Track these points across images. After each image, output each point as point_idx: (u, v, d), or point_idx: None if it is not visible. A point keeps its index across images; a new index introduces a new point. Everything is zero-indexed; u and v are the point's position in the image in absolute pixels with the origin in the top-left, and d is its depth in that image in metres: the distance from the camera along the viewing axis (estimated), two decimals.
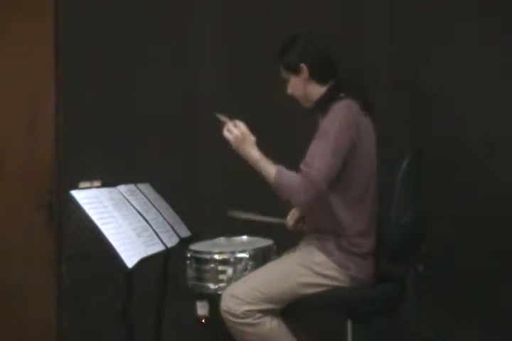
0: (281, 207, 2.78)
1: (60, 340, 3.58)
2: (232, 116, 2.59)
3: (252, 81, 3.32)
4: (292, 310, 2.48)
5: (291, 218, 2.83)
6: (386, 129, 2.71)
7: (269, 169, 2.47)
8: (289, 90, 2.66)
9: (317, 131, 2.50)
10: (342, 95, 2.53)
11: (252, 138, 2.53)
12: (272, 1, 3.35)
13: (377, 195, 2.57)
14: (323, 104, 2.54)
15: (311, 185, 2.37)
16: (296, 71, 2.59)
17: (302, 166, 2.41)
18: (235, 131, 2.52)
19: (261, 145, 2.99)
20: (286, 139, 3.21)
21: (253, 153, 2.51)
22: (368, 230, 2.52)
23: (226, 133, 2.53)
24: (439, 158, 3.01)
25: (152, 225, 2.64)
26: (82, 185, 2.56)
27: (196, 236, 2.90)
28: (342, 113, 2.47)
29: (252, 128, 3.29)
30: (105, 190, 2.58)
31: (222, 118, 2.58)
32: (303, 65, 2.57)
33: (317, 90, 2.60)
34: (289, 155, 2.86)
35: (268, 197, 2.93)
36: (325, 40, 2.68)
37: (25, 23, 3.60)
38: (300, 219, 2.81)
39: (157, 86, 3.46)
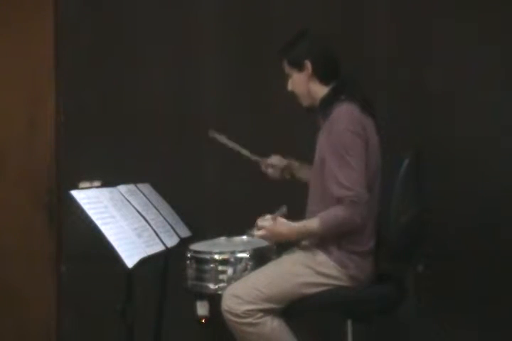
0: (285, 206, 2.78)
1: (60, 340, 3.58)
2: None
3: (252, 81, 3.32)
4: (293, 309, 2.48)
5: (268, 160, 2.84)
6: (386, 129, 2.71)
7: (313, 228, 2.44)
8: (290, 86, 2.65)
9: (320, 133, 2.50)
10: (343, 97, 2.52)
11: (282, 221, 2.48)
12: (271, 1, 3.35)
13: (378, 194, 2.57)
14: (325, 106, 2.53)
15: (357, 206, 2.38)
16: (299, 67, 2.58)
17: (336, 191, 2.40)
18: (263, 232, 2.48)
19: (261, 145, 3.00)
20: (286, 139, 3.22)
21: (291, 232, 2.48)
22: (369, 229, 2.52)
23: (258, 233, 2.50)
24: (439, 158, 3.01)
25: (152, 225, 2.64)
26: (82, 185, 2.57)
27: (196, 236, 2.90)
28: (345, 121, 2.45)
29: (252, 128, 3.31)
30: (105, 190, 2.58)
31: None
32: (307, 62, 2.57)
33: (319, 89, 2.59)
34: (289, 154, 2.87)
35: (268, 197, 2.94)
36: (330, 40, 2.68)
37: (25, 22, 3.60)
38: (275, 167, 2.82)
39: (157, 86, 3.46)
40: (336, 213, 2.41)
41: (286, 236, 2.49)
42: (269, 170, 2.86)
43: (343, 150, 2.42)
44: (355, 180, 2.39)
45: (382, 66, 3.18)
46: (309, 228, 2.46)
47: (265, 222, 2.48)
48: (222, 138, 2.89)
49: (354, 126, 2.45)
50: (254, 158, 2.88)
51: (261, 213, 2.77)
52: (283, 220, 2.48)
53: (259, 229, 2.49)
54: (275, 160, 2.85)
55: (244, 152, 2.88)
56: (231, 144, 2.88)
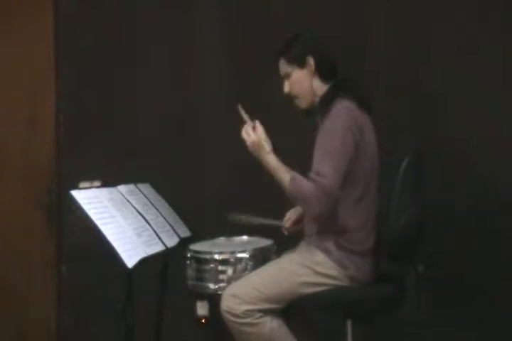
0: (281, 207, 2.78)
1: (60, 340, 3.58)
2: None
3: (252, 81, 3.32)
4: (292, 309, 2.48)
5: (288, 220, 2.82)
6: (386, 129, 2.71)
7: (284, 176, 2.46)
8: (287, 88, 2.64)
9: (319, 135, 2.50)
10: (341, 95, 2.52)
11: (269, 144, 2.51)
12: (271, 1, 3.35)
13: (378, 194, 2.57)
14: (325, 104, 2.53)
15: (325, 194, 2.37)
16: (301, 63, 2.58)
17: (313, 175, 2.40)
18: (253, 135, 2.51)
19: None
20: (286, 138, 3.21)
21: (269, 159, 2.50)
22: (367, 228, 2.52)
23: (244, 135, 2.53)
24: (439, 158, 3.02)
25: (152, 225, 2.64)
26: (82, 185, 2.56)
27: (196, 236, 2.90)
28: (343, 117, 2.46)
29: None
30: (105, 190, 2.58)
31: (243, 114, 2.55)
32: (309, 58, 2.56)
33: (320, 87, 2.59)
34: (289, 154, 2.86)
35: (268, 198, 2.94)
36: (328, 40, 2.68)
37: (25, 23, 3.60)
38: (297, 222, 2.80)
39: (157, 86, 3.47)
40: (306, 186, 2.39)
41: (259, 157, 2.51)
42: (297, 228, 2.79)
43: (331, 140, 2.42)
44: (330, 171, 2.39)
45: (382, 66, 3.18)
46: (281, 175, 2.47)
47: (252, 135, 2.50)
48: (240, 218, 2.83)
49: (349, 123, 2.45)
50: (276, 224, 2.83)
51: (259, 214, 2.78)
52: (268, 148, 2.50)
53: (253, 129, 2.51)
54: (292, 215, 2.82)
55: (264, 221, 2.82)
56: (250, 220, 2.82)
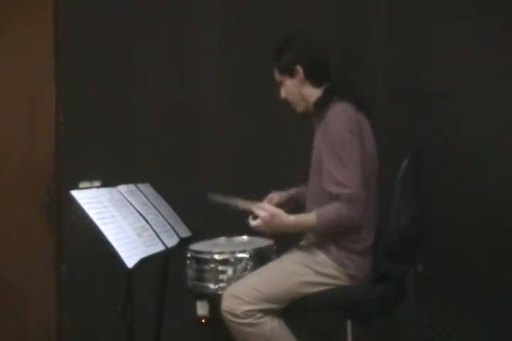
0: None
1: (60, 340, 3.58)
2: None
3: (252, 81, 3.32)
4: (292, 310, 2.48)
5: (268, 201, 2.78)
6: (386, 129, 2.71)
7: (309, 221, 2.44)
8: (283, 94, 2.66)
9: (316, 136, 2.50)
10: (336, 98, 2.53)
11: (279, 214, 2.45)
12: (271, 2, 3.35)
13: (378, 194, 2.57)
14: (320, 108, 2.54)
15: (352, 203, 2.38)
16: (291, 73, 2.60)
17: (333, 189, 2.40)
18: (259, 221, 2.45)
19: (260, 144, 3.00)
20: (286, 139, 3.22)
21: (288, 225, 2.46)
22: (368, 228, 2.52)
23: (254, 224, 2.46)
24: (439, 158, 3.01)
25: (152, 225, 2.64)
26: (82, 185, 2.56)
27: (196, 236, 2.90)
28: (341, 119, 2.46)
29: (252, 128, 3.31)
30: (105, 190, 2.58)
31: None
32: (298, 67, 2.58)
33: (312, 93, 2.60)
34: (289, 154, 2.87)
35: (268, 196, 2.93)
36: (317, 42, 2.67)
37: (25, 23, 3.60)
38: (278, 205, 2.76)
39: (157, 86, 3.47)
40: (333, 209, 2.41)
41: (281, 228, 2.47)
42: None
43: (340, 148, 2.42)
44: (352, 178, 2.39)
45: (382, 66, 3.18)
46: (305, 221, 2.46)
47: (261, 211, 2.46)
48: (221, 199, 2.75)
49: (350, 124, 2.45)
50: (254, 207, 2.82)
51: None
52: (280, 212, 2.46)
53: (255, 217, 2.48)
54: (275, 197, 2.80)
55: (245, 204, 2.72)
56: (231, 201, 2.73)
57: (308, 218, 2.45)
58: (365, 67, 3.16)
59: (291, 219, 2.46)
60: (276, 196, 2.81)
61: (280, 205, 2.72)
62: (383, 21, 3.18)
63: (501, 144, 3.03)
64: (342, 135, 2.43)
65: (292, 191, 2.84)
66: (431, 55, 3.12)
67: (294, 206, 2.79)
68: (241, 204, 2.64)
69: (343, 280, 2.49)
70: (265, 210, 2.46)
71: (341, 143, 2.42)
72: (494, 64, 3.04)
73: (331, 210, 2.41)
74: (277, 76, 2.65)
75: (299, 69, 2.58)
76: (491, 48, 3.04)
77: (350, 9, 3.24)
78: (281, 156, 2.87)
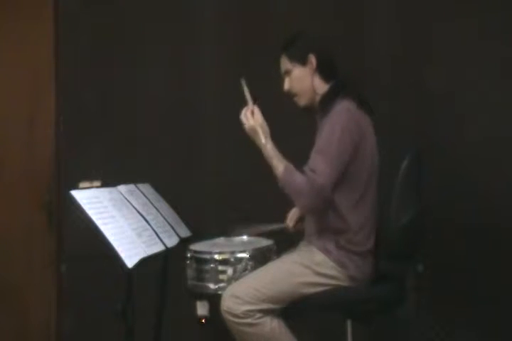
0: (282, 208, 2.78)
1: (60, 340, 3.58)
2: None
3: (252, 81, 3.31)
4: (292, 310, 2.48)
5: (290, 220, 2.83)
6: (387, 129, 2.71)
7: (279, 164, 2.48)
8: (287, 86, 2.64)
9: (318, 134, 2.51)
10: (341, 95, 2.53)
11: (267, 130, 2.53)
12: (272, 1, 3.35)
13: (378, 194, 2.57)
14: (326, 104, 2.53)
15: (315, 191, 2.38)
16: (303, 61, 2.58)
17: (307, 170, 2.41)
18: (251, 120, 2.53)
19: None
20: (286, 138, 3.20)
21: (264, 143, 2.51)
22: (367, 229, 2.52)
23: (242, 119, 2.55)
24: (439, 157, 3.02)
25: (152, 225, 2.64)
26: (82, 185, 2.56)
27: (196, 236, 2.90)
28: (343, 117, 2.46)
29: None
30: (105, 190, 2.58)
31: (246, 91, 2.56)
32: (311, 56, 2.57)
33: (321, 86, 2.59)
34: (289, 154, 2.86)
35: (269, 198, 2.94)
36: (329, 41, 2.69)
37: (25, 23, 3.60)
38: (300, 219, 2.80)
39: (157, 86, 3.46)
40: (300, 180, 2.41)
41: (257, 143, 2.53)
42: (300, 226, 2.80)
43: (328, 142, 2.43)
44: (324, 171, 2.40)
45: (384, 66, 3.18)
46: (276, 162, 2.49)
47: (251, 120, 2.53)
48: (247, 231, 2.81)
49: (349, 124, 2.45)
50: (280, 227, 2.83)
51: (261, 213, 2.78)
52: (267, 132, 2.53)
53: (252, 114, 2.53)
54: (293, 215, 2.83)
55: (268, 228, 2.79)
56: (257, 230, 2.78)
57: (278, 163, 2.49)
58: (367, 67, 3.16)
59: (268, 146, 2.51)
60: (294, 214, 2.83)
61: (300, 220, 2.79)
62: (384, 20, 3.19)
63: (501, 143, 3.03)
64: (337, 131, 2.44)
65: None
66: (432, 54, 3.12)
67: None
68: (264, 228, 2.74)
69: (343, 281, 2.48)
70: (255, 118, 2.53)
71: (332, 138, 2.43)
72: (495, 63, 3.05)
73: (297, 178, 2.42)
74: (286, 64, 2.62)
75: (312, 58, 2.57)
76: (492, 47, 3.04)
77: (352, 9, 3.24)
78: (282, 154, 2.87)
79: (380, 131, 2.61)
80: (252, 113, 2.54)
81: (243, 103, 3.29)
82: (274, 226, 2.83)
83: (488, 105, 3.05)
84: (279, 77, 2.68)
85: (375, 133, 2.59)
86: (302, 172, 2.43)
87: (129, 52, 3.51)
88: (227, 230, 2.82)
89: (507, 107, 3.04)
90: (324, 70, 2.59)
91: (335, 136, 2.43)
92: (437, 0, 3.12)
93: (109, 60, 3.52)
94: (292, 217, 2.83)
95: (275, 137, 3.20)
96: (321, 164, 2.40)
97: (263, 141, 2.51)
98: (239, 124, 3.26)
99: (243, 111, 2.55)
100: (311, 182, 2.38)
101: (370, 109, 2.58)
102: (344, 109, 2.48)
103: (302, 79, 2.60)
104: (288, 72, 2.63)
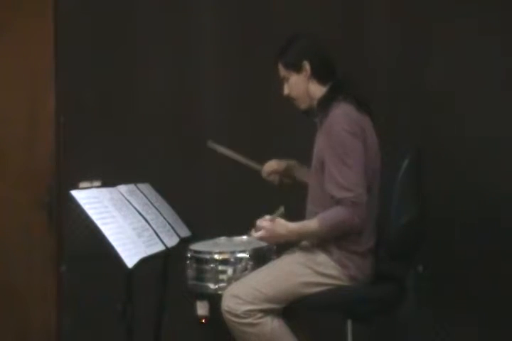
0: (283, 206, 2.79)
1: (60, 340, 3.58)
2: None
3: (252, 81, 3.32)
4: (293, 309, 2.48)
5: (267, 167, 2.84)
6: (386, 129, 2.71)
7: (312, 228, 2.44)
8: (286, 90, 2.65)
9: (318, 135, 2.51)
10: (340, 97, 2.52)
11: (281, 222, 2.46)
12: (272, 1, 3.35)
13: (379, 194, 2.57)
14: (324, 107, 2.53)
15: (357, 207, 2.38)
16: (298, 68, 2.58)
17: (336, 193, 2.39)
18: (262, 232, 2.47)
19: (260, 144, 3.00)
20: (286, 138, 3.22)
21: (291, 233, 2.47)
22: (368, 229, 2.52)
23: (256, 235, 2.48)
24: (439, 157, 3.02)
25: (152, 225, 2.64)
26: (82, 185, 2.56)
27: (196, 236, 2.90)
28: (343, 122, 2.45)
29: (252, 127, 3.31)
30: (105, 190, 2.59)
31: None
32: (305, 63, 2.57)
33: (318, 90, 2.59)
34: (289, 154, 2.87)
35: (268, 197, 2.94)
36: (324, 41, 2.68)
37: (25, 23, 3.60)
38: (276, 172, 2.82)
39: (157, 86, 3.46)
40: (335, 214, 2.41)
41: (284, 237, 2.48)
42: (271, 177, 2.85)
43: (342, 151, 2.42)
44: (354, 180, 2.39)
45: (383, 66, 3.18)
46: (308, 228, 2.46)
47: (264, 222, 2.47)
48: (221, 149, 2.89)
49: (352, 127, 2.44)
50: (254, 166, 2.88)
51: (260, 213, 2.78)
52: (282, 221, 2.47)
53: (258, 229, 2.48)
54: (274, 164, 2.85)
55: (245, 161, 2.88)
56: (230, 153, 2.87)
57: (310, 225, 2.45)
58: (366, 67, 3.16)
59: (295, 227, 2.46)
60: (275, 164, 2.84)
61: (277, 173, 2.81)
62: (383, 21, 3.18)
63: (502, 144, 3.03)
64: (344, 138, 2.43)
65: (292, 162, 2.85)
66: (431, 54, 3.12)
67: (289, 177, 2.84)
68: (241, 159, 2.76)
69: (343, 281, 2.48)
70: (268, 221, 2.47)
71: (343, 146, 2.42)
72: (494, 63, 3.05)
73: (334, 215, 2.41)
74: (282, 72, 2.63)
75: (306, 65, 2.57)
76: (491, 48, 3.04)
77: (351, 9, 3.23)
78: (282, 155, 2.87)
79: (380, 131, 2.61)
80: (256, 229, 2.49)
81: (243, 103, 3.31)
82: (251, 162, 2.87)
83: (488, 105, 3.05)
84: (279, 77, 2.68)
85: (375, 133, 2.59)
86: (331, 199, 2.41)
87: (129, 52, 3.50)
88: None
89: (506, 107, 3.04)
90: (320, 74, 2.59)
91: (345, 144, 2.42)
92: (437, 0, 3.12)
93: (109, 60, 3.51)
94: (270, 165, 2.84)
95: (277, 134, 3.22)
96: (346, 178, 2.39)
97: (287, 234, 2.46)
98: (239, 124, 3.28)
99: (256, 234, 2.49)
100: (348, 204, 2.37)
101: (370, 109, 2.58)
102: (341, 114, 2.47)
103: (298, 86, 2.61)
104: (286, 79, 2.64)
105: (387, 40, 3.18)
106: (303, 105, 2.65)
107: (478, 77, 3.05)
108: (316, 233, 2.45)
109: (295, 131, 3.16)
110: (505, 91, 3.04)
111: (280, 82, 2.66)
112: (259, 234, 2.47)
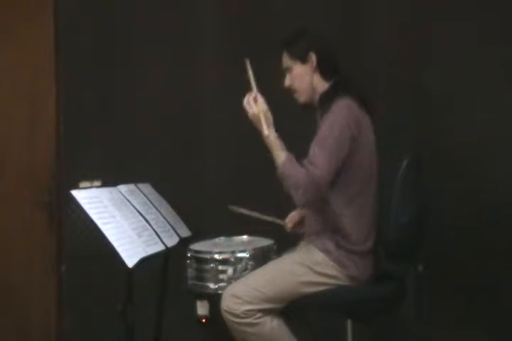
0: (284, 208, 2.78)
1: (60, 340, 3.58)
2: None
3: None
4: (292, 309, 2.49)
5: (290, 220, 2.83)
6: (386, 129, 2.71)
7: (280, 154, 2.48)
8: (288, 82, 2.64)
9: (318, 130, 2.51)
10: (341, 93, 2.53)
11: (270, 117, 2.52)
12: (272, 1, 3.35)
13: (378, 194, 2.57)
14: (325, 102, 2.54)
15: (314, 184, 2.38)
16: (304, 59, 2.58)
17: (306, 163, 2.42)
18: (254, 107, 2.52)
19: (260, 143, 2.99)
20: (286, 137, 3.21)
21: (266, 132, 2.50)
22: (367, 228, 2.52)
23: (246, 106, 2.54)
24: (438, 158, 3.02)
25: (152, 225, 2.64)
26: (82, 184, 2.56)
27: (196, 236, 2.90)
28: (342, 113, 2.47)
29: (252, 127, 3.30)
30: (105, 190, 2.58)
31: (250, 75, 2.57)
32: (312, 54, 2.57)
33: (321, 84, 2.59)
34: (291, 152, 2.87)
35: (268, 197, 2.94)
36: (329, 40, 2.69)
37: (25, 23, 3.60)
38: (299, 223, 2.80)
39: (157, 86, 3.47)
40: (299, 172, 2.41)
41: (259, 130, 2.52)
42: (296, 230, 2.82)
43: (329, 134, 2.43)
44: (325, 162, 2.40)
45: (382, 66, 3.18)
46: (277, 152, 2.49)
47: (253, 105, 2.52)
48: (242, 210, 2.88)
49: (349, 119, 2.45)
50: (278, 222, 2.86)
51: (261, 213, 2.78)
52: (270, 120, 2.52)
53: (255, 101, 2.53)
54: (295, 216, 2.84)
55: (267, 218, 2.85)
56: (252, 213, 2.86)
57: (280, 152, 2.49)
58: (365, 67, 3.16)
59: (270, 134, 2.50)
60: (296, 215, 2.83)
61: (300, 223, 2.79)
62: (383, 21, 3.19)
63: (501, 144, 3.03)
64: (336, 125, 2.44)
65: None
66: (431, 54, 3.13)
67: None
68: (263, 217, 2.78)
69: (342, 281, 2.48)
70: (258, 105, 2.52)
71: (332, 132, 2.44)
72: (494, 64, 3.05)
73: (296, 170, 2.42)
74: (287, 61, 2.63)
75: (313, 56, 2.57)
76: (491, 48, 3.05)
77: (351, 9, 3.24)
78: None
79: (380, 132, 2.61)
80: (255, 100, 2.53)
81: (241, 103, 3.30)
82: (273, 219, 2.85)
83: (487, 106, 3.05)
84: (279, 76, 2.68)
85: (375, 133, 2.59)
86: (302, 164, 2.43)
87: (129, 52, 3.51)
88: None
89: (506, 107, 3.04)
90: (325, 68, 2.59)
91: (335, 131, 2.43)
92: (436, 1, 3.13)
93: (109, 60, 3.51)
94: (293, 217, 2.84)
95: (276, 134, 3.22)
96: (320, 158, 2.41)
97: (265, 131, 2.51)
98: (239, 124, 3.27)
99: (246, 98, 2.55)
100: (311, 175, 2.38)
101: (371, 109, 2.58)
102: (344, 105, 2.49)
103: (302, 77, 2.60)
104: (289, 69, 2.63)
105: (387, 40, 3.19)
106: (302, 98, 2.64)
107: (477, 77, 3.06)
108: (276, 160, 2.49)
109: (295, 130, 3.15)
110: (504, 92, 3.04)
111: (282, 75, 2.65)
112: (247, 106, 2.54)
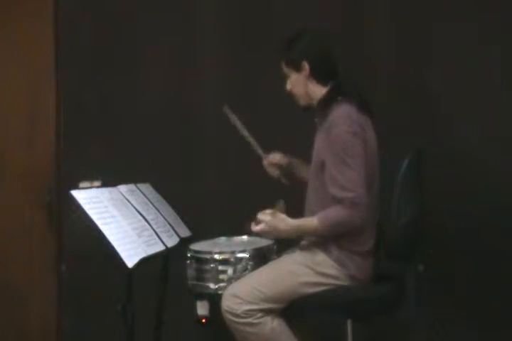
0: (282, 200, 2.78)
1: (60, 340, 3.58)
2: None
3: (252, 80, 3.32)
4: (293, 309, 2.48)
5: (271, 157, 2.82)
6: (386, 129, 2.71)
7: (312, 225, 2.45)
8: (288, 86, 2.65)
9: (318, 135, 2.51)
10: (340, 98, 2.52)
11: (282, 217, 2.49)
12: (272, 1, 3.35)
13: (378, 194, 2.57)
14: (324, 107, 2.53)
15: (356, 207, 2.38)
16: (297, 68, 2.59)
17: (337, 193, 2.40)
18: (263, 226, 2.48)
19: (260, 143, 3.00)
20: (287, 138, 3.21)
21: (291, 229, 2.48)
22: (368, 228, 2.52)
23: (256, 228, 2.50)
24: (439, 158, 3.02)
25: (152, 225, 2.64)
26: (82, 185, 2.56)
27: (196, 236, 2.90)
28: (345, 123, 2.45)
29: (252, 127, 3.31)
30: (105, 190, 2.58)
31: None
32: (305, 63, 2.57)
33: (318, 90, 2.59)
34: (289, 153, 2.87)
35: (268, 197, 2.94)
36: (329, 39, 2.68)
37: (25, 23, 3.60)
38: (275, 165, 2.80)
39: (157, 86, 3.46)
40: (335, 213, 2.41)
41: (284, 232, 2.49)
42: (271, 169, 2.84)
43: (343, 151, 2.42)
44: (355, 181, 2.39)
45: (383, 66, 3.18)
46: (308, 226, 2.47)
47: (264, 216, 2.48)
48: (234, 118, 2.84)
49: (352, 127, 2.44)
50: (259, 150, 2.85)
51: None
52: (282, 216, 2.48)
53: (258, 223, 2.49)
54: (278, 157, 2.83)
55: (252, 141, 2.84)
56: (240, 127, 2.83)
57: (310, 222, 2.46)
58: (365, 67, 3.16)
59: (295, 223, 2.48)
60: (279, 156, 2.82)
61: (279, 166, 2.79)
62: (383, 21, 3.19)
63: (501, 143, 3.04)
64: (345, 138, 2.43)
65: (296, 161, 2.83)
66: (431, 54, 3.13)
67: (288, 175, 2.82)
68: (249, 137, 2.76)
69: (343, 281, 2.49)
70: (268, 215, 2.48)
71: (344, 146, 2.42)
72: (494, 63, 3.05)
73: (334, 214, 2.42)
74: (284, 68, 2.64)
75: (305, 65, 2.57)
76: (491, 48, 3.05)
77: (351, 8, 3.24)
78: (282, 152, 2.87)
79: (380, 131, 2.61)
80: (259, 222, 2.50)
81: (243, 103, 3.31)
82: (256, 146, 2.84)
83: (487, 105, 3.05)
84: (279, 76, 2.68)
85: (375, 133, 2.59)
86: (332, 199, 2.41)
87: (129, 53, 3.50)
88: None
89: (506, 107, 3.04)
90: (320, 75, 2.58)
91: (348, 145, 2.42)
92: (436, 1, 3.13)
93: (109, 60, 3.51)
94: (273, 158, 2.82)
95: (276, 134, 3.22)
96: (347, 178, 2.39)
97: (284, 233, 2.49)
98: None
99: (258, 226, 2.50)
100: (348, 203, 2.37)
101: (371, 110, 2.58)
102: (343, 114, 2.47)
103: (298, 85, 2.62)
104: (287, 75, 2.65)
105: (388, 41, 3.19)
106: (301, 102, 2.65)
107: (477, 77, 3.06)
108: (316, 231, 2.46)
109: (295, 130, 3.16)
110: (504, 92, 3.04)
111: (281, 76, 2.66)
112: (259, 227, 2.48)
